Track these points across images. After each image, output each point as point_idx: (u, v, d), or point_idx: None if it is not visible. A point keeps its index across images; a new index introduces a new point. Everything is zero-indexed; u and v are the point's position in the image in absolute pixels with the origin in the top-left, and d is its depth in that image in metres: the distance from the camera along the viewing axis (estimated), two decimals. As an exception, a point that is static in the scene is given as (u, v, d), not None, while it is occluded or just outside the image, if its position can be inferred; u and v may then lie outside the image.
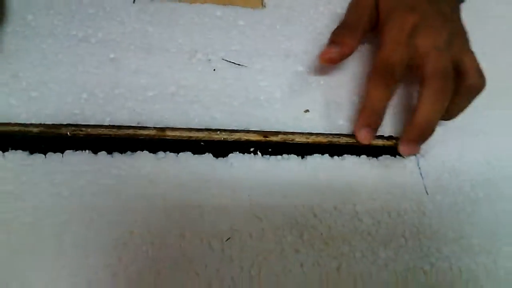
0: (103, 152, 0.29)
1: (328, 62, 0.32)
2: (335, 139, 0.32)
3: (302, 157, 0.31)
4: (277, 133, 0.31)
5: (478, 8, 0.39)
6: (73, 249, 0.26)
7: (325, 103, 0.34)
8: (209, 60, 0.34)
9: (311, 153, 0.32)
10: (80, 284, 0.26)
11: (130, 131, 0.29)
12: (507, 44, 0.39)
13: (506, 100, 0.36)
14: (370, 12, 0.33)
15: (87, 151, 0.29)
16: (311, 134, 0.32)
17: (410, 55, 0.31)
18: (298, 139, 0.31)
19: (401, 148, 0.31)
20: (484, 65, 0.31)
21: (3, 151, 0.28)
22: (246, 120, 0.32)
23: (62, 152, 0.29)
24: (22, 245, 0.26)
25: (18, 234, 0.26)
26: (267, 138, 0.31)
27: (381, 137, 0.33)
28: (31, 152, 0.28)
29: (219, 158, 0.30)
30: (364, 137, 0.31)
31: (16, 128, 0.29)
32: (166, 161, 0.30)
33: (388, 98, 0.31)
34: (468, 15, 0.33)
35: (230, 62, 0.34)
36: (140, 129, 0.30)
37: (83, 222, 0.27)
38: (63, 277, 0.26)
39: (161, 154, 0.30)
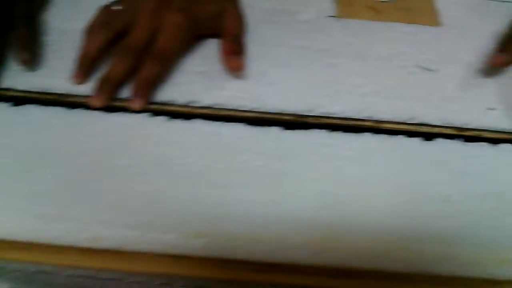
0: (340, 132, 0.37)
1: (497, 66, 0.41)
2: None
3: (494, 144, 0.38)
4: (469, 129, 0.38)
5: None
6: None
7: (505, 103, 0.40)
8: (404, 66, 0.42)
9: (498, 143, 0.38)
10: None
11: (357, 122, 0.38)
12: None
13: None
14: None
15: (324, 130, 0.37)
16: (496, 131, 0.39)
17: None
18: (486, 135, 0.38)
19: None
20: None
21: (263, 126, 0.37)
22: (442, 114, 0.39)
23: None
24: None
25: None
26: (461, 133, 0.38)
27: None
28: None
29: (427, 141, 0.38)
30: None
31: (270, 116, 0.38)
32: (382, 142, 0.37)
33: None
34: None
35: (421, 68, 0.42)
36: (362, 121, 0.38)
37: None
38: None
39: (380, 136, 0.37)
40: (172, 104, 0.38)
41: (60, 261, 0.31)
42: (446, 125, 0.38)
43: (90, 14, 0.40)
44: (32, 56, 0.38)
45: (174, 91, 0.39)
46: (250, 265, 0.32)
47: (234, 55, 0.38)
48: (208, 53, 0.41)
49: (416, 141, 0.38)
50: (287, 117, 0.38)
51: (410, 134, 0.38)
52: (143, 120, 0.37)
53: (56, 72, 0.39)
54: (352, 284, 0.32)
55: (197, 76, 0.40)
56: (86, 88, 0.38)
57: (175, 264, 0.32)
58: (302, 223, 0.33)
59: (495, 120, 0.39)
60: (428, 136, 0.38)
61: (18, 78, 0.38)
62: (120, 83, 0.37)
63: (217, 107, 0.38)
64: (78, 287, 0.34)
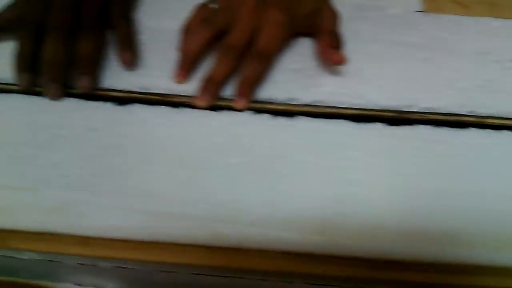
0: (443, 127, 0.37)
1: None
2: None
3: None
4: None
5: None
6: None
7: None
8: (498, 60, 0.42)
9: None
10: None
11: (460, 118, 0.38)
12: None
13: None
14: None
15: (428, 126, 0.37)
16: None
17: None
18: None
19: None
20: None
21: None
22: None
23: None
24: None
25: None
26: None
27: None
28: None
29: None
30: None
31: (372, 112, 0.38)
32: (487, 137, 0.37)
33: None
34: None
35: (516, 62, 0.41)
36: (465, 116, 0.38)
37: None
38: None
39: (484, 131, 0.37)
40: (273, 103, 0.38)
41: (181, 260, 0.31)
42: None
43: (178, 13, 0.41)
44: (133, 56, 0.39)
45: (272, 89, 0.39)
46: (368, 262, 0.32)
47: (334, 49, 0.38)
48: (301, 50, 0.41)
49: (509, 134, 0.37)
50: (389, 114, 0.38)
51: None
52: (247, 118, 0.37)
53: (155, 71, 0.39)
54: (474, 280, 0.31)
55: (293, 74, 0.40)
56: (187, 87, 0.38)
57: (295, 262, 0.32)
58: (416, 219, 0.33)
59: None
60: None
61: (118, 78, 0.39)
62: (223, 83, 0.37)
63: (317, 104, 0.38)
64: (199, 285, 0.35)
